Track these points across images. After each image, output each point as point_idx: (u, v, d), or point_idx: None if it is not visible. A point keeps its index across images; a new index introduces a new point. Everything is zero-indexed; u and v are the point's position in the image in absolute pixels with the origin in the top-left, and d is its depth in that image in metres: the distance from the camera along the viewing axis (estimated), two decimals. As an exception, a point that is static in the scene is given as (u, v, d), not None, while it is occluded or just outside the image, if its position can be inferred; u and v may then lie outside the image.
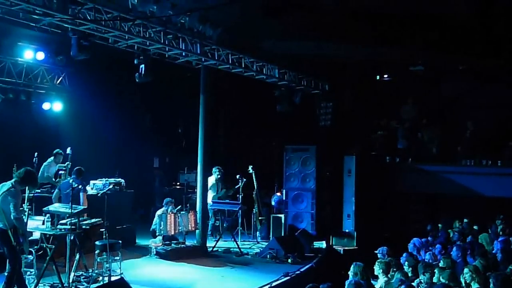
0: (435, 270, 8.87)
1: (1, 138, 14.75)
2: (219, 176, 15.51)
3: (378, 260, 9.70)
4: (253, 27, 13.34)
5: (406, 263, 9.98)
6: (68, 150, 13.16)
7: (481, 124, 17.74)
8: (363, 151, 17.73)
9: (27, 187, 9.65)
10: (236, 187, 15.21)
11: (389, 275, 9.23)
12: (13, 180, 8.79)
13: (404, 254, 10.66)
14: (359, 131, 18.73)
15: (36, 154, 13.34)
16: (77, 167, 12.07)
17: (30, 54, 14.01)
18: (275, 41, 14.54)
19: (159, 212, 13.72)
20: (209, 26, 12.48)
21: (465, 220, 15.01)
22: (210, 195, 15.18)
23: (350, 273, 8.98)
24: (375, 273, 9.40)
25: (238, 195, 15.20)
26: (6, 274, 8.82)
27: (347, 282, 8.13)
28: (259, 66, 14.78)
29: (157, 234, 13.41)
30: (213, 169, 15.40)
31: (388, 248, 11.25)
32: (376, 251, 11.36)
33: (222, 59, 13.52)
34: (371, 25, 13.22)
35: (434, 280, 8.71)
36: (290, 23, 13.07)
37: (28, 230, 9.36)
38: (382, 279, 9.23)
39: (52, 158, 13.76)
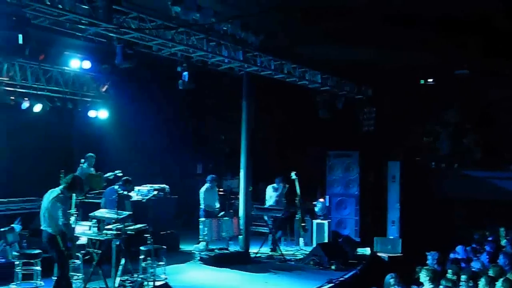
0: (482, 278, 8.71)
1: (49, 146, 15.06)
2: None
3: (425, 267, 9.56)
4: (294, 33, 13.34)
5: (450, 270, 9.84)
6: (119, 173, 13.21)
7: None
8: (407, 157, 17.54)
9: (74, 193, 9.81)
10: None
11: (435, 283, 9.10)
12: (61, 187, 8.96)
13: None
14: (403, 136, 18.52)
15: (82, 161, 13.62)
16: (125, 177, 12.26)
17: (76, 63, 14.26)
18: (316, 47, 14.50)
19: (203, 189, 14.14)
20: (251, 32, 12.53)
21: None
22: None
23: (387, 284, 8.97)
24: (421, 279, 9.28)
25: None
26: (54, 278, 9.01)
27: None
28: (301, 72, 14.78)
29: (200, 239, 13.51)
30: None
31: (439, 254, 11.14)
32: (427, 253, 11.24)
33: (264, 65, 13.57)
34: (413, 29, 13.06)
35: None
36: (330, 28, 13.01)
37: (75, 235, 9.53)
38: (428, 287, 9.10)
39: (85, 164, 13.96)
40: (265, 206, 15.31)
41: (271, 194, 15.43)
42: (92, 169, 14.12)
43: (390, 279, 9.08)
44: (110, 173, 13.56)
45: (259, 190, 16.59)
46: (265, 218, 15.12)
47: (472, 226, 16.07)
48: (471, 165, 17.67)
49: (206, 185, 14.33)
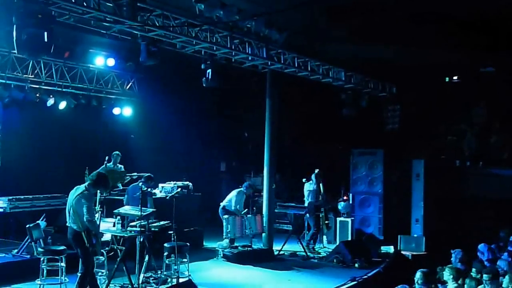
0: (506, 276, 8.61)
1: (73, 143, 15.23)
2: None
3: (448, 266, 9.48)
4: (318, 30, 13.28)
5: (474, 269, 9.73)
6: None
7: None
8: (432, 155, 17.38)
9: (98, 190, 9.87)
10: None
11: (459, 282, 9.01)
12: (86, 183, 9.02)
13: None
14: (427, 134, 18.34)
15: (107, 158, 13.72)
16: (147, 174, 12.32)
17: (101, 61, 14.38)
18: (340, 44, 14.41)
19: (236, 191, 14.18)
20: (275, 30, 12.50)
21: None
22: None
23: (415, 279, 8.86)
24: (444, 278, 9.21)
25: (304, 199, 15.20)
26: (79, 274, 9.07)
27: None
28: (325, 69, 14.69)
29: (224, 237, 13.54)
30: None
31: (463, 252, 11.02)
32: (452, 251, 11.13)
33: (288, 63, 13.52)
34: (438, 26, 12.94)
35: (504, 286, 8.46)
36: (355, 26, 12.94)
37: (100, 231, 9.59)
38: (451, 286, 9.02)
39: (110, 163, 14.01)
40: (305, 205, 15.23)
41: (309, 191, 15.14)
42: (120, 166, 14.21)
43: (417, 273, 8.98)
44: (135, 174, 13.61)
45: (276, 182, 16.59)
46: (307, 216, 15.11)
47: (497, 225, 15.84)
48: (496, 164, 17.42)
49: (241, 189, 14.32)
